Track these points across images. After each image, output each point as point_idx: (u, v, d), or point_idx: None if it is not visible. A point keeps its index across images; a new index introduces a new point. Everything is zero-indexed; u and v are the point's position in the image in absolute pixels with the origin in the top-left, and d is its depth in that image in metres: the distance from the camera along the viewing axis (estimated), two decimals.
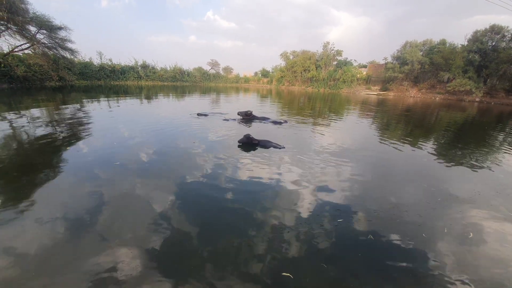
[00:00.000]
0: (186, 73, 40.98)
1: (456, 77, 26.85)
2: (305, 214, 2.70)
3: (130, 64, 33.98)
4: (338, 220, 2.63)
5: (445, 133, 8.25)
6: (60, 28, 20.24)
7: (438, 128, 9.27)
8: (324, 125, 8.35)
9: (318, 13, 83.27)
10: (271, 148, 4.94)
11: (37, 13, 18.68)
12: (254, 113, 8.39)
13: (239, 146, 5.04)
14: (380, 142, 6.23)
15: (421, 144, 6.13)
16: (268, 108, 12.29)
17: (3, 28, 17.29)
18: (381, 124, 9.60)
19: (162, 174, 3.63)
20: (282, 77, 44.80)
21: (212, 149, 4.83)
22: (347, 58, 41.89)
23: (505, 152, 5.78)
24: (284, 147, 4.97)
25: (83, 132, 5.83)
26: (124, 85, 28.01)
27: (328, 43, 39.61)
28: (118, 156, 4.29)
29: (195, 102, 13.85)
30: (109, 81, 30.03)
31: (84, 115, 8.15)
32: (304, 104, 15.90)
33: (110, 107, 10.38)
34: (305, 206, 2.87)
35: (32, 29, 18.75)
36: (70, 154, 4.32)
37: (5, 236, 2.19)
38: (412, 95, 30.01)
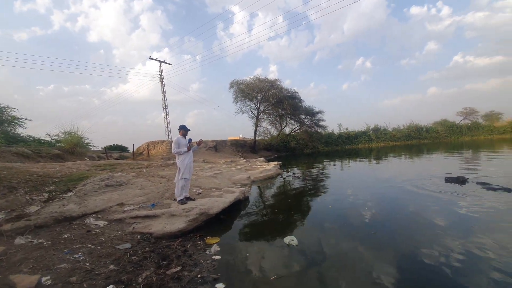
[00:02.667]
0: (423, 130, 35.82)
1: None
2: None
3: (362, 129, 37.69)
4: None
5: None
6: (318, 113, 29.09)
7: None
8: None
9: None
10: None
11: (306, 106, 28.86)
12: None
13: None
14: None
15: None
16: None
17: (288, 119, 28.91)
18: None
19: (388, 245, 3.30)
20: None
21: (470, 233, 3.49)
22: None
23: None
24: None
25: (322, 187, 7.60)
26: (355, 148, 31.32)
27: None
28: (343, 213, 5.04)
29: (436, 162, 11.59)
30: (344, 146, 35.26)
31: (324, 174, 10.54)
32: None
33: (342, 167, 12.29)
34: None
35: (302, 116, 29.02)
36: (313, 203, 5.92)
37: (299, 259, 3.64)
38: None
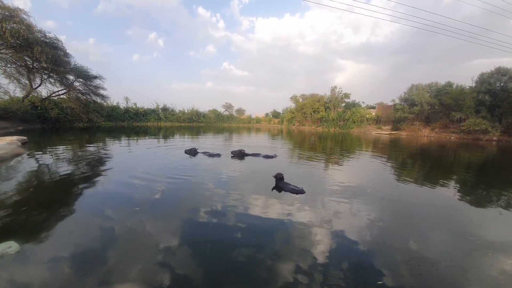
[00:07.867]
0: (202, 115, 43.63)
1: (468, 117, 26.63)
2: (321, 260, 2.54)
3: (152, 107, 36.99)
4: (355, 268, 2.45)
5: (466, 172, 7.89)
6: (95, 77, 23.02)
7: (458, 167, 8.90)
8: (337, 164, 8.29)
9: (325, 61, 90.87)
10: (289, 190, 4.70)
11: (77, 65, 21.61)
12: (260, 150, 8.72)
13: (240, 185, 5.03)
14: (397, 182, 6.03)
15: (442, 185, 5.87)
16: (279, 146, 12.50)
17: (45, 77, 19.90)
18: (397, 163, 9.38)
19: (173, 215, 3.64)
20: (292, 117, 46.37)
21: (222, 188, 4.84)
22: (355, 100, 43.38)
23: None
24: (303, 192, 4.58)
25: (102, 171, 6.12)
26: (144, 126, 30.00)
27: (335, 87, 41.68)
28: (130, 195, 4.41)
29: (208, 141, 14.41)
30: (132, 123, 32.32)
31: (106, 154, 8.67)
32: (315, 143, 16.05)
33: (129, 146, 11.02)
34: (320, 251, 2.72)
35: (71, 77, 21.43)
36: (86, 191, 4.50)
37: (15, 271, 2.21)
38: (426, 135, 29.62)
